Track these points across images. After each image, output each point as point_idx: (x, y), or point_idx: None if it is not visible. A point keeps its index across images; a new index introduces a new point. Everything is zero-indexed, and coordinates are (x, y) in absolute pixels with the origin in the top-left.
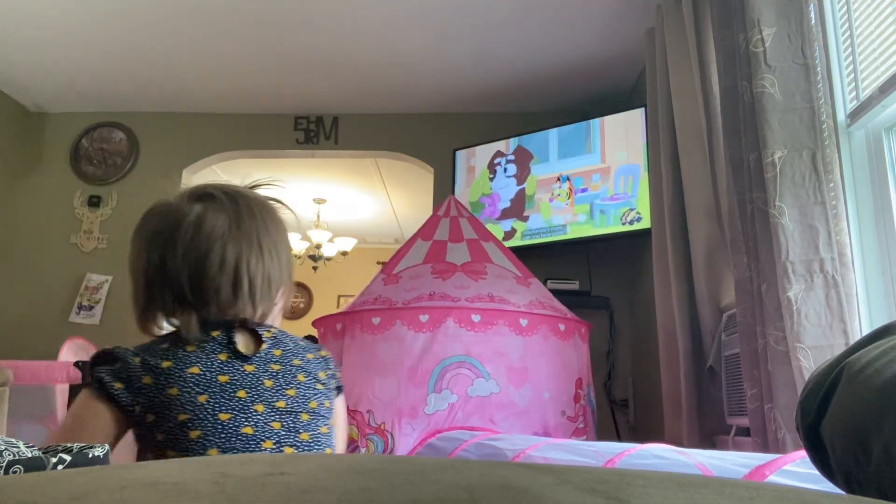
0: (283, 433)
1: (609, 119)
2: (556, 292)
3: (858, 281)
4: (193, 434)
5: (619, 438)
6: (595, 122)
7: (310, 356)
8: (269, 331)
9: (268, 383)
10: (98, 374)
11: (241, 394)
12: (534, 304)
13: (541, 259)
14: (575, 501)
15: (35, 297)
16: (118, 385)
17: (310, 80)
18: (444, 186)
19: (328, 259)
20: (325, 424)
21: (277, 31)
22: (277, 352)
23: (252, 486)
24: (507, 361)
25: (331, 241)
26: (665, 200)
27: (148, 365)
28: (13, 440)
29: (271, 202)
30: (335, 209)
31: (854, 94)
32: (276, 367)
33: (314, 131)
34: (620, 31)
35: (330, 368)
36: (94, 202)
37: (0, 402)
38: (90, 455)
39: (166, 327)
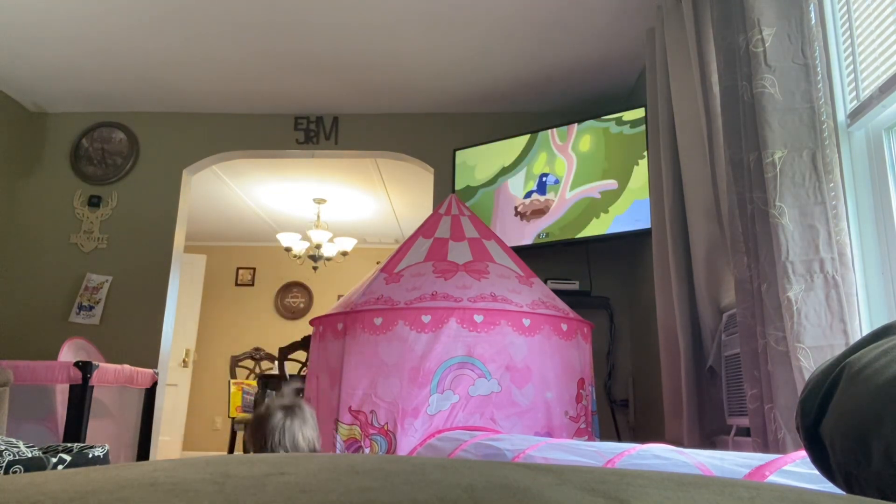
0: None
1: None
2: (556, 292)
3: (858, 281)
4: None
5: (619, 438)
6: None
7: None
8: None
9: None
10: None
11: None
12: (536, 304)
13: (541, 259)
14: (575, 501)
15: (35, 297)
16: None
17: (310, 80)
18: (444, 186)
19: (328, 259)
20: None
21: (277, 31)
22: None
23: (252, 486)
24: (509, 361)
25: (331, 241)
26: (665, 200)
27: None
28: (13, 440)
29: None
30: (335, 209)
31: (854, 94)
32: None
33: (314, 131)
34: (620, 31)
35: None
36: (94, 202)
37: (0, 402)
38: (90, 455)
39: None
